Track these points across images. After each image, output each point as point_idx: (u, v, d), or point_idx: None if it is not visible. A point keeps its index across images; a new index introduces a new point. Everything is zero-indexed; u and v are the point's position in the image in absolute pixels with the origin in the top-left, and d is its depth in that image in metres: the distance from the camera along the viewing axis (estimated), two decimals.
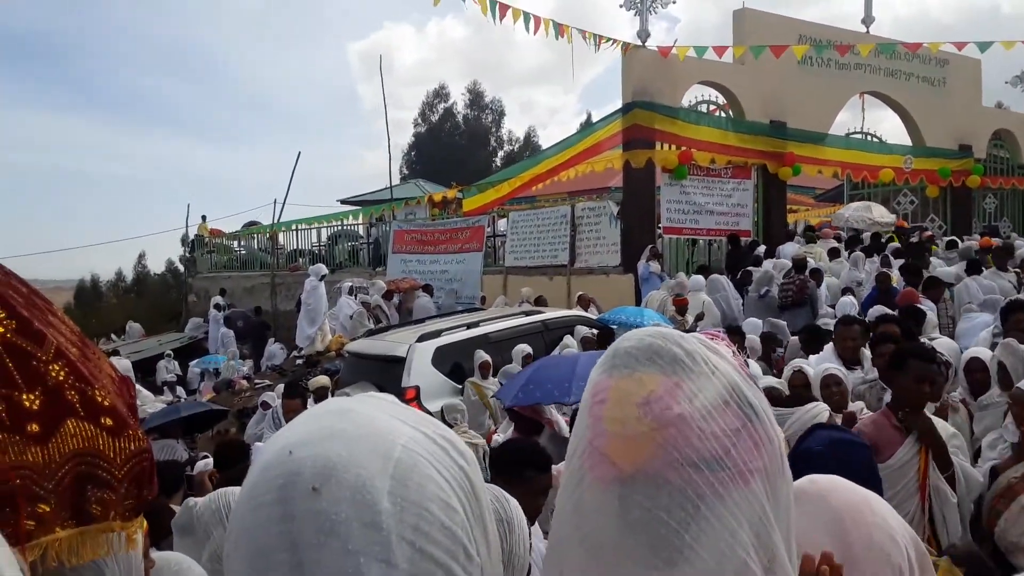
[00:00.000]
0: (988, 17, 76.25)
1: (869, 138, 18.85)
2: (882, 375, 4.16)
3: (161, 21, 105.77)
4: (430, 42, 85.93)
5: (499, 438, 5.88)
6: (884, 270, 10.64)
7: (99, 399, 1.33)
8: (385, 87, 28.40)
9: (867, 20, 17.94)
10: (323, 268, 15.28)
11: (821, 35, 16.91)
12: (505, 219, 17.35)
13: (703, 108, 16.04)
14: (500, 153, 49.23)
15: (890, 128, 37.02)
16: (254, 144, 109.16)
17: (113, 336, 20.05)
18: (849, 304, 9.21)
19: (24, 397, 1.26)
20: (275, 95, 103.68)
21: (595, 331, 9.31)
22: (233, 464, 4.95)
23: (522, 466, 3.42)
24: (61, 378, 1.30)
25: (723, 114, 16.18)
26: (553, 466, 3.55)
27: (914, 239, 14.09)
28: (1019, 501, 2.70)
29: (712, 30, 77.33)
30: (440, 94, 49.38)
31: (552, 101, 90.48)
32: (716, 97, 16.18)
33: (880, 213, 15.94)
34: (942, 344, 5.45)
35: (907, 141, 18.96)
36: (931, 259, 11.91)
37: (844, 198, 20.46)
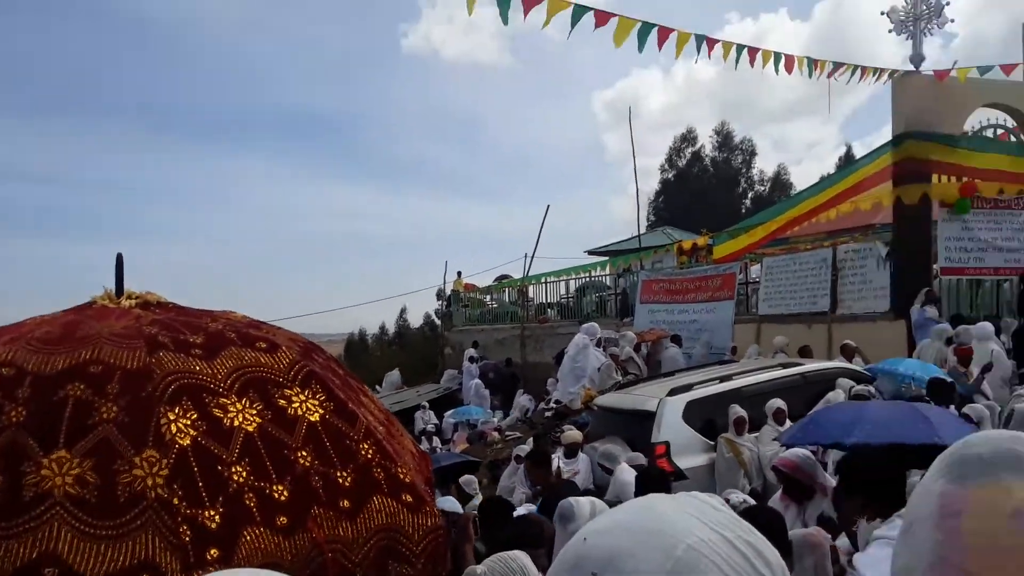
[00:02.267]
0: None
1: None
2: None
3: (423, 91, 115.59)
4: (677, 85, 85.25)
5: (739, 495, 5.35)
6: None
7: (401, 476, 1.42)
8: (633, 135, 28.39)
9: None
10: (597, 329, 14.46)
11: None
12: (758, 265, 16.49)
13: (990, 133, 14.35)
14: (750, 195, 47.60)
15: None
16: (506, 200, 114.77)
17: (377, 387, 21.50)
18: None
19: (338, 474, 1.37)
20: (525, 150, 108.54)
21: (868, 387, 8.40)
22: (498, 525, 4.88)
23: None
24: (369, 456, 1.41)
25: (1014, 138, 14.35)
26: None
27: None
28: None
29: (996, 45, 69.46)
30: (688, 138, 48.81)
31: (808, 135, 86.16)
32: (1005, 120, 14.41)
33: None
34: None
35: None
36: None
37: None
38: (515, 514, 5.61)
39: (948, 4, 14.02)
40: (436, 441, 15.32)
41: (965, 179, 13.34)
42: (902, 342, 11.97)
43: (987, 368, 9.06)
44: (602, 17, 10.68)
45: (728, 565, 0.79)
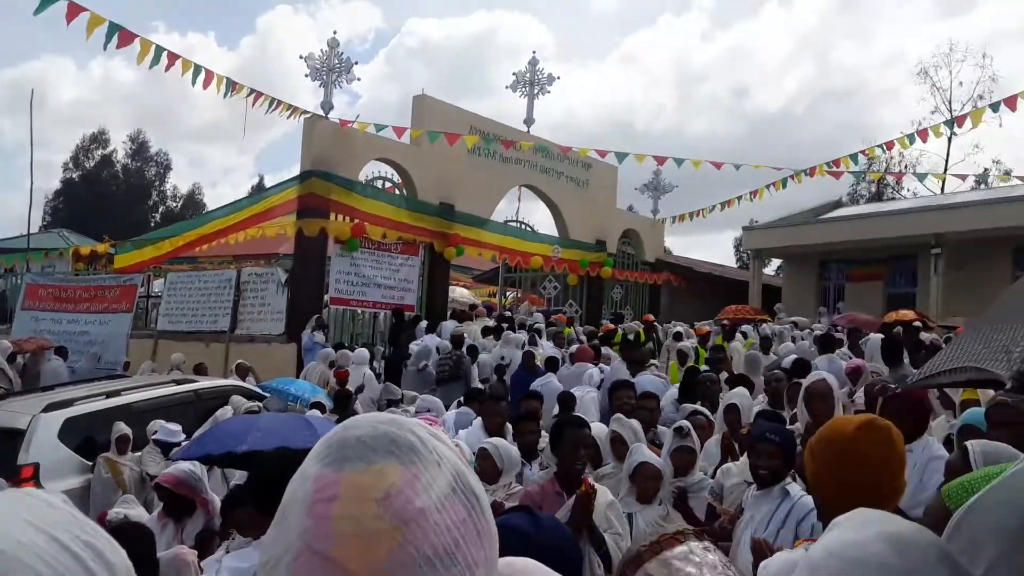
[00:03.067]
0: (624, 130, 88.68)
1: (523, 227, 20.60)
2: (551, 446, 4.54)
3: None
4: (93, 82, 78.29)
5: (120, 511, 5.22)
6: (531, 349, 11.49)
7: None
8: (33, 123, 25.30)
9: (528, 121, 19.83)
10: None
11: (490, 129, 18.35)
12: (162, 279, 16.14)
13: (379, 184, 16.48)
14: (161, 209, 46.10)
15: (540, 219, 40.71)
16: None
17: None
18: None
19: None
20: None
21: (257, 404, 8.91)
22: None
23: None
24: None
25: (398, 192, 16.76)
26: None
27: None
28: (644, 569, 2.91)
29: (392, 110, 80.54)
30: (99, 139, 45.41)
31: (225, 160, 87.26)
32: (392, 175, 16.73)
33: (460, 294, 17.57)
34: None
35: (554, 232, 21.05)
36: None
37: (499, 280, 22.06)
38: None
39: (356, 64, 15.89)
40: None
41: (357, 221, 15.13)
42: (292, 363, 12.92)
43: (359, 390, 10.41)
44: None
45: (52, 569, 0.70)
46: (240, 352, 13.05)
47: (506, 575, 1.00)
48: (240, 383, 10.37)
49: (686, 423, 4.73)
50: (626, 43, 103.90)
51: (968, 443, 2.33)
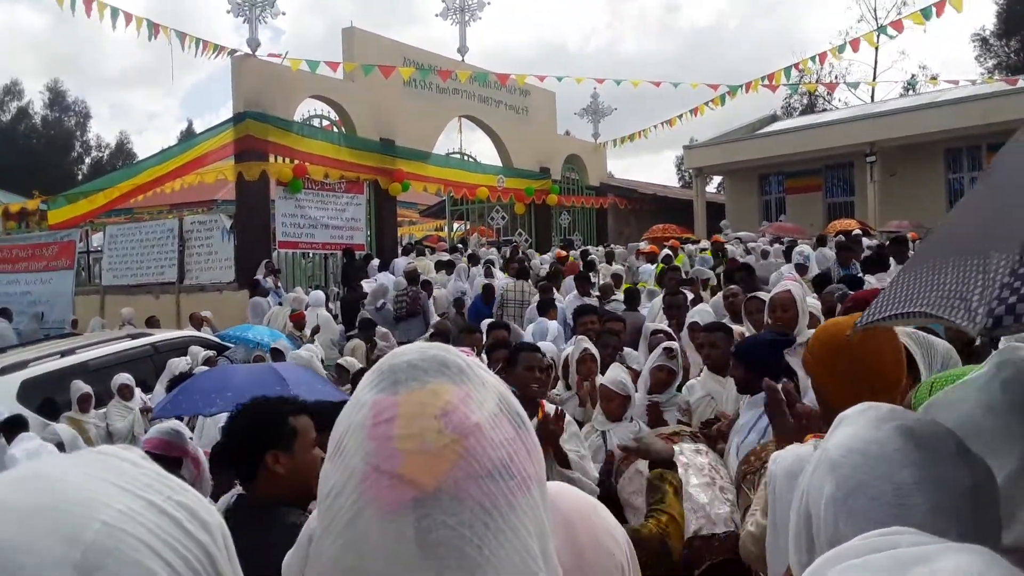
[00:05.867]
0: (558, 53, 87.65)
1: (466, 158, 20.44)
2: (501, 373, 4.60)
3: None
4: None
5: None
6: (489, 281, 11.57)
7: None
8: None
9: (462, 49, 19.47)
10: None
11: (424, 59, 17.99)
12: (101, 233, 15.70)
13: (316, 123, 16.13)
14: (87, 160, 44.44)
15: (482, 149, 40.23)
16: None
17: None
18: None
19: None
20: None
21: (214, 352, 8.84)
22: None
23: None
24: None
25: (336, 130, 16.44)
26: None
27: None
28: (635, 466, 3.20)
29: (318, 46, 77.93)
30: (12, 91, 43.17)
31: (149, 105, 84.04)
32: (329, 112, 16.38)
33: None
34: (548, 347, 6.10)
35: (498, 162, 20.94)
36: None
37: (446, 213, 21.97)
38: None
39: None
40: None
41: (297, 161, 14.83)
42: (246, 310, 12.79)
43: (315, 331, 10.38)
44: None
45: (157, 538, 0.65)
46: (191, 302, 12.88)
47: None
48: (197, 333, 10.27)
49: (676, 345, 4.80)
50: None
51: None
